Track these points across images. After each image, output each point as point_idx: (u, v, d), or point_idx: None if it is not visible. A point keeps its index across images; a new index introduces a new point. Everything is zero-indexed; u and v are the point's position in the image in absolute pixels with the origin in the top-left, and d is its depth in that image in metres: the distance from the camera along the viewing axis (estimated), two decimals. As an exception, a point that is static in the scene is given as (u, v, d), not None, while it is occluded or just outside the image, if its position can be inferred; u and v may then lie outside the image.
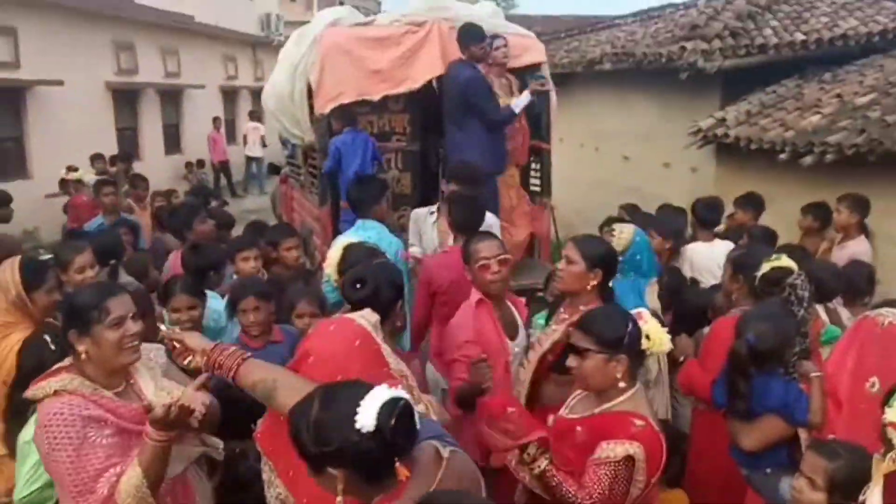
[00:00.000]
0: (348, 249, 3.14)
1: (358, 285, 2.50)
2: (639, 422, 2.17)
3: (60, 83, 11.22)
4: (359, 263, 2.84)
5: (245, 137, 17.13)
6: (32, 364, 2.49)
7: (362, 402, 1.54)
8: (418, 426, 1.62)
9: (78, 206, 7.58)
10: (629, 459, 2.12)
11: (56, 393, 2.06)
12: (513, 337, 3.08)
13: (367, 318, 2.27)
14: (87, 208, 7.05)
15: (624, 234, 3.50)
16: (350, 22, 5.43)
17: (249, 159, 17.06)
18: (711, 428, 3.09)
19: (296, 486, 2.01)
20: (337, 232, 4.72)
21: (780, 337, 2.71)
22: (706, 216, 4.86)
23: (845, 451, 2.11)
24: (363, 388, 1.60)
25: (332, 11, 5.72)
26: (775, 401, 2.70)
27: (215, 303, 3.65)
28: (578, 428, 2.29)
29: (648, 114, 9.06)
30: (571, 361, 2.28)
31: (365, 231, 4.06)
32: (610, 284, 2.85)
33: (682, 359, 3.37)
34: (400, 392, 1.61)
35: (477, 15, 5.43)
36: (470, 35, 4.97)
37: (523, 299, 3.41)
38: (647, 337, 2.28)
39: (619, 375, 2.22)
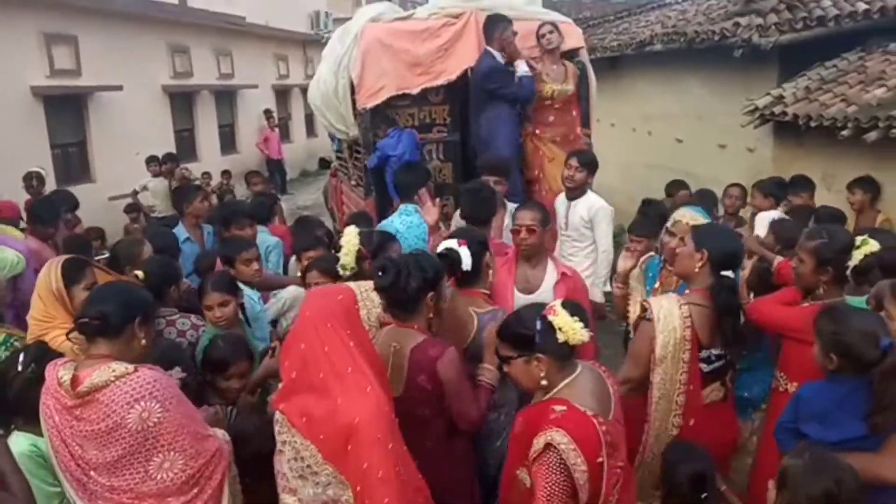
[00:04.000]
0: (363, 236, 3.13)
1: (380, 273, 2.58)
2: (559, 407, 2.18)
3: (119, 88, 11.61)
4: (380, 250, 2.97)
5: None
6: (6, 382, 2.51)
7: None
8: None
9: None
10: (550, 447, 2.10)
11: (137, 368, 2.17)
12: (529, 291, 3.43)
13: (362, 286, 2.48)
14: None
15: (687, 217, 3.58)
16: (390, 17, 5.53)
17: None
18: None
19: (311, 427, 2.18)
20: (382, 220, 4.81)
21: None
22: (775, 191, 5.17)
23: None
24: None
25: (373, 7, 5.82)
26: None
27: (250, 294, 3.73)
28: (519, 419, 2.37)
29: (702, 94, 8.80)
30: (505, 368, 2.39)
31: (408, 216, 4.35)
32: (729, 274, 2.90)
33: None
34: None
35: (512, 4, 5.46)
36: (492, 25, 5.09)
37: (568, 269, 3.64)
38: (560, 329, 2.23)
39: (542, 374, 2.26)
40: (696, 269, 2.90)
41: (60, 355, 2.51)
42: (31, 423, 2.36)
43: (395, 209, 4.69)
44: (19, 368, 2.46)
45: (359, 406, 2.12)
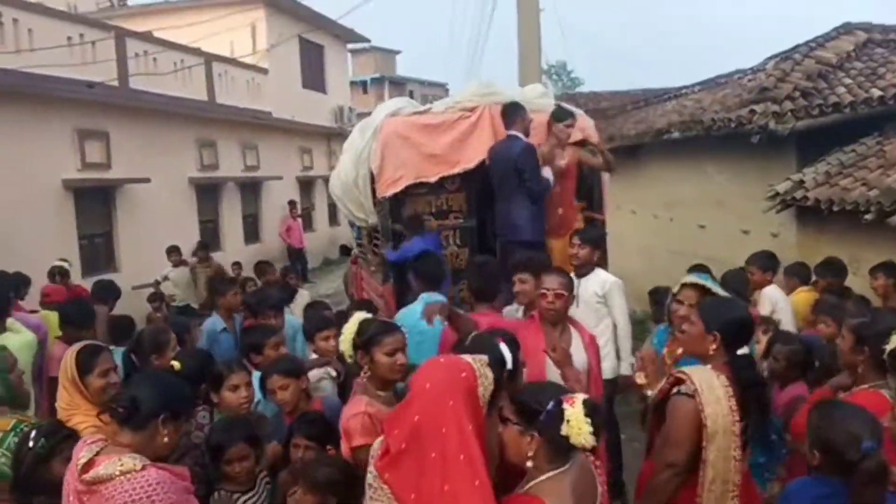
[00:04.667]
0: (364, 324, 3.05)
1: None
2: None
3: (147, 181, 11.96)
4: (371, 340, 2.92)
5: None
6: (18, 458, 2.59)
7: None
8: None
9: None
10: None
11: (145, 467, 2.14)
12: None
13: (477, 360, 2.31)
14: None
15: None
16: (408, 111, 5.75)
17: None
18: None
19: None
20: (399, 307, 4.85)
21: None
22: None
23: None
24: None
25: (392, 102, 6.10)
26: None
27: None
28: None
29: (722, 180, 8.80)
30: (500, 429, 2.27)
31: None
32: (740, 352, 2.86)
33: None
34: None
35: (526, 97, 5.65)
36: (513, 111, 5.26)
37: (590, 332, 3.82)
38: (569, 422, 2.08)
39: (529, 454, 2.14)
40: (711, 352, 2.83)
41: (73, 432, 2.62)
42: (55, 500, 2.34)
43: (414, 294, 4.67)
44: (31, 445, 2.53)
45: (464, 500, 2.04)
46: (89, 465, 2.14)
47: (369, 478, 2.28)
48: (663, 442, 2.80)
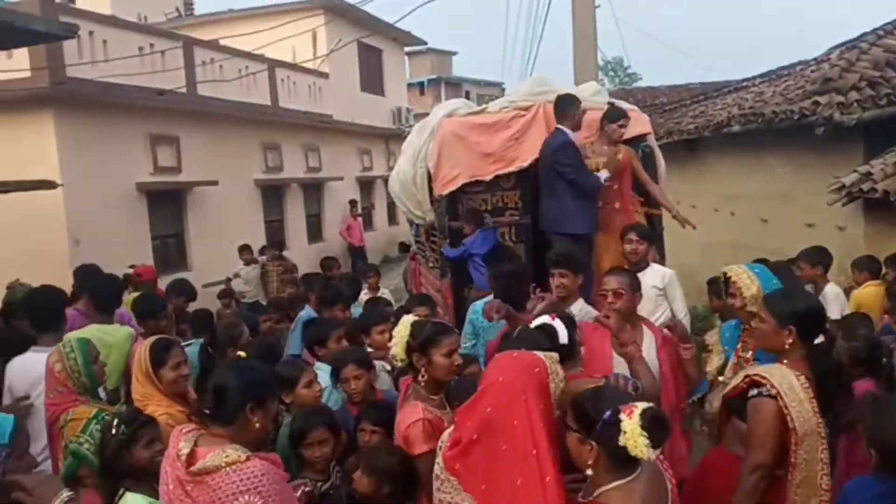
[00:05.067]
0: (417, 326, 3.03)
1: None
2: None
3: (215, 183, 12.44)
4: (428, 342, 2.90)
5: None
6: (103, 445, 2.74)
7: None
8: None
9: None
10: None
11: (250, 458, 2.19)
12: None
13: (549, 357, 2.31)
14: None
15: (744, 277, 3.49)
16: (464, 111, 5.89)
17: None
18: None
19: (487, 498, 2.15)
20: (457, 302, 4.90)
21: None
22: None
23: None
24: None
25: (449, 103, 6.29)
26: None
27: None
28: None
29: (785, 173, 8.61)
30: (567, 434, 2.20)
31: None
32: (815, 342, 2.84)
33: None
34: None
35: (580, 95, 5.66)
36: (564, 104, 5.24)
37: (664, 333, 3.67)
38: (625, 433, 2.01)
39: (589, 462, 2.09)
40: (787, 346, 2.79)
41: (151, 419, 2.76)
42: (140, 483, 2.53)
43: (471, 292, 4.79)
44: (113, 432, 2.66)
45: (535, 495, 2.06)
46: (191, 455, 2.19)
47: (436, 469, 2.30)
48: (748, 444, 2.74)
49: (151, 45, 11.46)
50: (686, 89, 16.74)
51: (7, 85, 9.18)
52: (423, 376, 2.92)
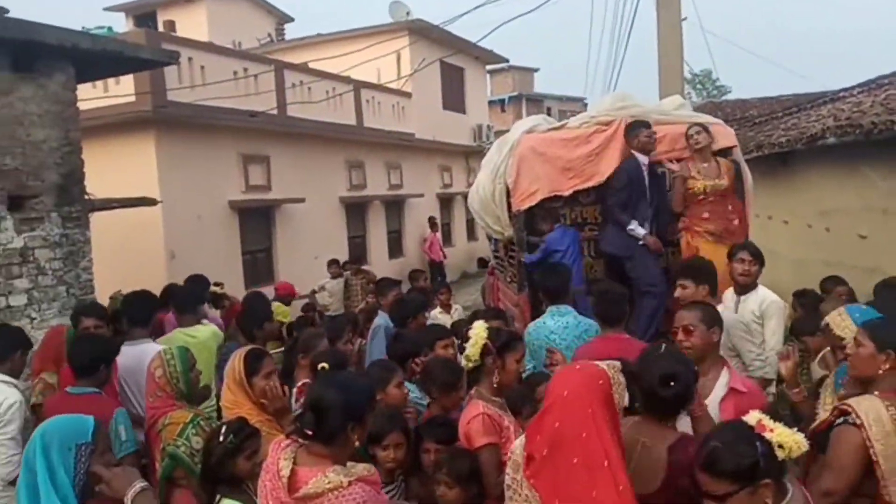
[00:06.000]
0: (493, 331, 3.19)
1: (671, 383, 2.50)
2: None
3: (302, 200, 12.90)
4: (505, 346, 3.02)
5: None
6: (209, 451, 2.82)
7: None
8: None
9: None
10: None
11: (352, 483, 2.19)
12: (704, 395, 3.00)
13: (611, 366, 2.34)
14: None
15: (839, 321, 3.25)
16: (544, 128, 5.87)
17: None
18: None
19: None
20: (535, 316, 4.92)
21: None
22: None
23: None
24: None
25: (529, 120, 6.27)
26: None
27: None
28: None
29: (886, 187, 8.15)
30: None
31: (561, 316, 4.40)
32: None
33: None
34: None
35: (663, 109, 5.66)
36: (630, 130, 5.33)
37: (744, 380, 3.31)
38: (781, 446, 2.00)
39: (768, 502, 2.02)
40: (881, 372, 2.67)
41: (256, 431, 2.83)
42: (235, 491, 2.63)
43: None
44: (220, 440, 2.74)
45: None
46: (293, 478, 2.19)
47: (507, 479, 2.34)
48: (823, 469, 2.65)
49: (245, 70, 12.01)
50: (778, 101, 16.15)
51: (114, 109, 9.86)
52: (496, 378, 3.04)
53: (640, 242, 5.22)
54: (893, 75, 10.02)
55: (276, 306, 8.20)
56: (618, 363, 2.39)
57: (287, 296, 9.06)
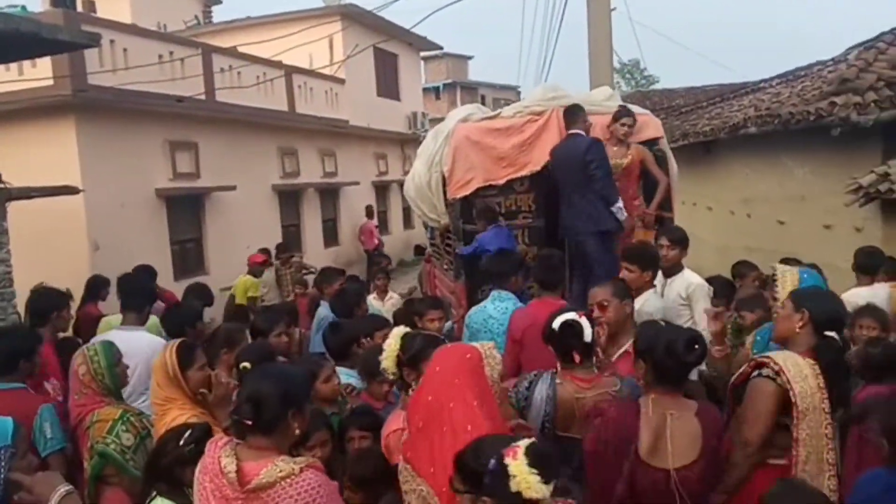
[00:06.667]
0: (406, 339, 2.94)
1: (695, 346, 2.61)
2: None
3: (233, 188, 12.59)
4: (418, 356, 2.78)
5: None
6: (163, 451, 2.68)
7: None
8: None
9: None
10: None
11: (303, 469, 2.16)
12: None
13: (486, 345, 2.57)
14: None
15: (787, 277, 3.37)
16: (479, 117, 5.95)
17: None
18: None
19: (437, 478, 2.28)
20: (471, 304, 5.04)
21: None
22: (866, 262, 5.15)
23: None
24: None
25: (463, 109, 6.36)
26: None
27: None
28: None
29: (802, 175, 8.55)
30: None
31: (501, 301, 4.46)
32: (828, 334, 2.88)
33: None
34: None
35: (593, 100, 5.81)
36: (574, 113, 5.39)
37: None
38: (514, 478, 1.86)
39: None
40: (797, 330, 2.84)
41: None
42: (173, 492, 2.54)
43: (485, 293, 4.83)
44: (180, 443, 2.60)
45: None
46: (239, 474, 2.12)
47: (400, 465, 2.45)
48: (739, 421, 2.79)
49: (171, 53, 11.61)
50: (703, 91, 16.69)
51: (31, 93, 9.37)
52: (412, 390, 2.76)
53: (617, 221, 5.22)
54: (809, 67, 10.49)
55: (245, 279, 8.98)
56: (492, 344, 2.62)
57: (262, 263, 9.27)
